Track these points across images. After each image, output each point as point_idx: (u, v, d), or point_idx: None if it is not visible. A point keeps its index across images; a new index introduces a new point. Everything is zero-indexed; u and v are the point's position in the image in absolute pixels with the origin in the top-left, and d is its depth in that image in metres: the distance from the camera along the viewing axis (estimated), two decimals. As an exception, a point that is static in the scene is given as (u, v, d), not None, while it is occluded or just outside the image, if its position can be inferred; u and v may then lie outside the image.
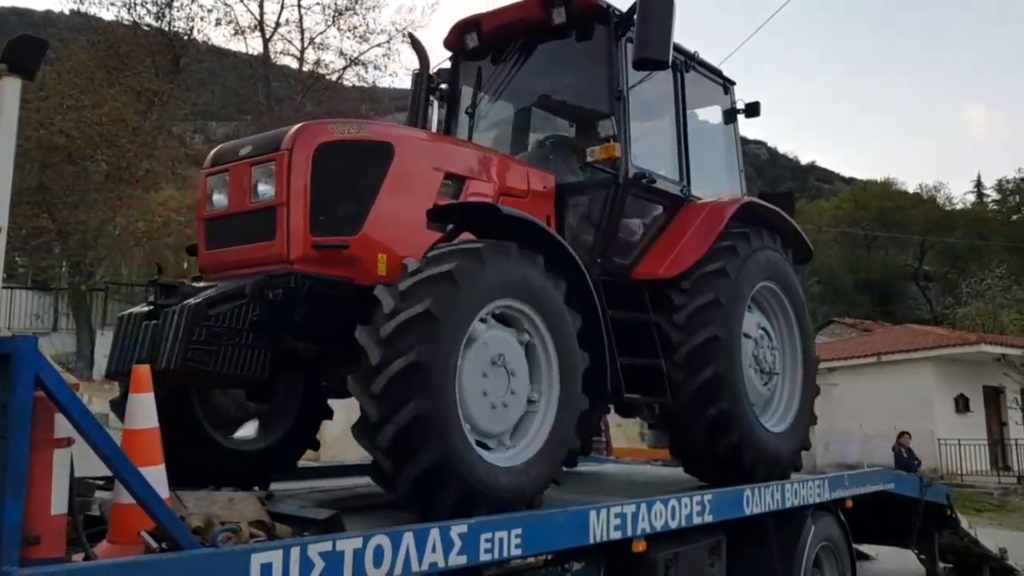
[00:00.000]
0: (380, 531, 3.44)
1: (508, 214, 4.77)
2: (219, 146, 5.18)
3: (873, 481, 7.62)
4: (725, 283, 5.99)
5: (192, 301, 4.28)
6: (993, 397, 27.61)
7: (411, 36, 7.38)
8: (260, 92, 28.29)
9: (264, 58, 28.67)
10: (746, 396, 6.09)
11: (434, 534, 3.61)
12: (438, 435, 4.00)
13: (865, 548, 9.77)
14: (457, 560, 3.69)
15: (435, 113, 7.03)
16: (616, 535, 4.57)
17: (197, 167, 31.97)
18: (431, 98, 6.92)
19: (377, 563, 3.36)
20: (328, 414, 5.97)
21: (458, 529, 3.73)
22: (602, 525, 4.48)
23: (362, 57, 29.62)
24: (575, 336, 4.83)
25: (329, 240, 4.59)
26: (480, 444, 4.37)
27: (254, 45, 29.10)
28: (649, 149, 6.33)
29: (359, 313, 4.26)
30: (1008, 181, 61.77)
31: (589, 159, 5.90)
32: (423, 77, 6.83)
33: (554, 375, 4.75)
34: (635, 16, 5.70)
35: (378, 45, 29.54)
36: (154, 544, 3.11)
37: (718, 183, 7.13)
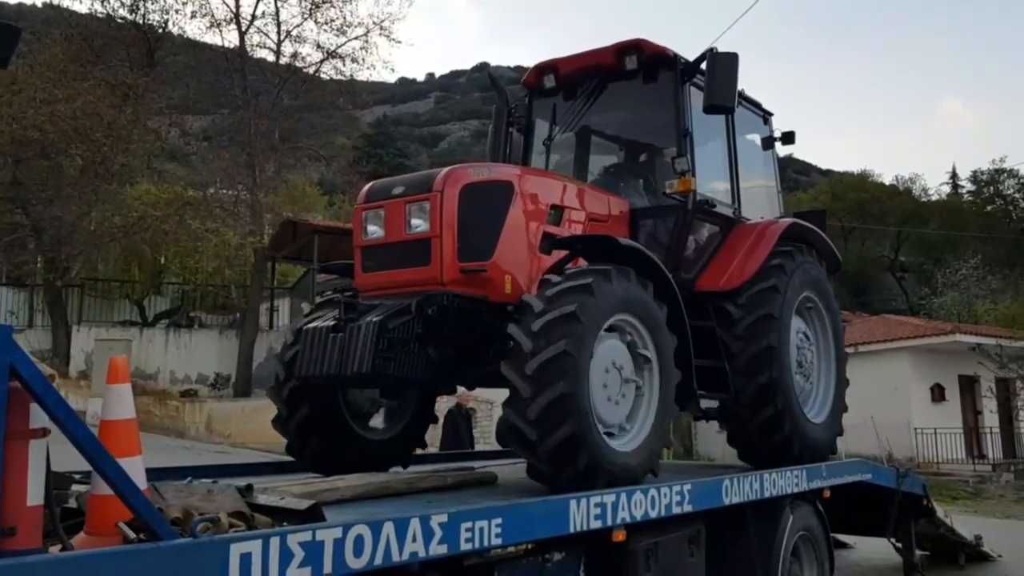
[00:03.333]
0: (360, 521, 3.42)
1: (625, 245, 5.66)
2: (370, 184, 5.96)
3: (851, 472, 7.67)
4: (776, 298, 6.80)
5: (375, 318, 5.12)
6: (968, 386, 27.84)
7: (490, 75, 8.39)
8: (236, 85, 27.98)
9: (240, 51, 28.35)
10: (795, 395, 6.88)
11: (414, 524, 3.61)
12: (576, 412, 4.80)
13: (843, 537, 9.86)
14: (438, 550, 3.70)
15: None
16: (596, 524, 4.60)
17: (173, 161, 31.67)
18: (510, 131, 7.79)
19: (357, 553, 3.35)
20: (435, 419, 7.01)
21: (438, 519, 3.73)
22: (582, 514, 4.51)
23: (339, 50, 29.43)
24: (672, 351, 5.62)
25: (472, 265, 5.42)
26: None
27: (230, 38, 29.05)
28: (706, 176, 6.99)
29: (491, 326, 5.30)
30: (983, 172, 61.81)
31: (668, 191, 6.68)
32: (503, 112, 7.77)
33: (655, 381, 5.54)
34: (703, 66, 6.53)
35: (355, 38, 29.36)
36: (132, 535, 3.08)
37: (759, 203, 7.92)
